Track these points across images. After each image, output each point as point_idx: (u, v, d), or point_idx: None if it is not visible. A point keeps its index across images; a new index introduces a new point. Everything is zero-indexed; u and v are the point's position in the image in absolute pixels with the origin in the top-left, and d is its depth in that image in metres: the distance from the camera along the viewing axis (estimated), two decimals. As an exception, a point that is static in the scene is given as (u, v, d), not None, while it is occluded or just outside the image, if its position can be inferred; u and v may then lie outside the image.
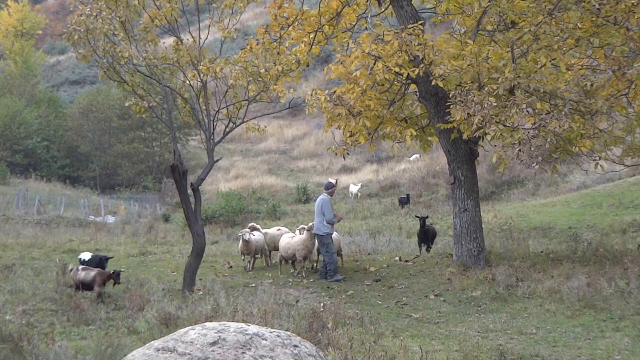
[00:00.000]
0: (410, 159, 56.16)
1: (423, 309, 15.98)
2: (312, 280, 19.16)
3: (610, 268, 17.05)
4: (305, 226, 20.29)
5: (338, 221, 20.52)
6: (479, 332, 13.64)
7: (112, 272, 16.81)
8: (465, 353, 11.38)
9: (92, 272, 16.71)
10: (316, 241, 19.70)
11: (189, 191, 18.02)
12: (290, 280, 19.31)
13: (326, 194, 19.94)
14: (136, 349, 6.38)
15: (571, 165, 39.82)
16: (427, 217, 23.07)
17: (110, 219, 43.74)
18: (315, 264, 20.53)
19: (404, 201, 41.57)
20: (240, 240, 20.73)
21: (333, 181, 21.16)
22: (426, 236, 22.49)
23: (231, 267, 21.54)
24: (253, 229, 21.13)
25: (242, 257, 21.24)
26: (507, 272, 17.51)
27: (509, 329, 13.83)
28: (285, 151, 68.84)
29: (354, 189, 47.14)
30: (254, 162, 65.06)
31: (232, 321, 7.56)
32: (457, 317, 15.03)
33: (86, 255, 18.52)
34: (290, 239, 19.91)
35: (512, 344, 12.61)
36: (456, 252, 19.75)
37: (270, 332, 6.31)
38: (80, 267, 17.08)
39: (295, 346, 6.24)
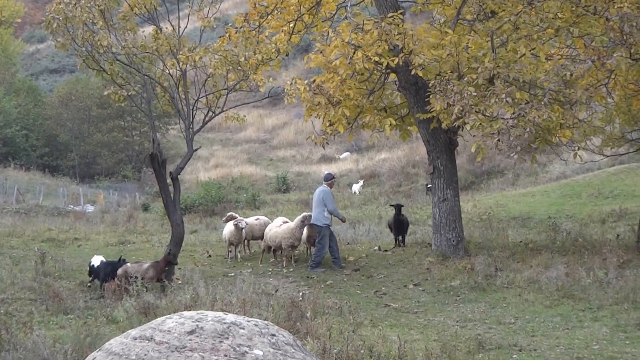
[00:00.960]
0: (341, 156, 55.94)
1: (402, 298, 16.04)
2: (291, 269, 19.14)
3: (589, 258, 17.14)
4: (284, 218, 20.25)
5: (343, 221, 20.46)
6: (457, 321, 13.73)
7: (167, 253, 16.68)
8: (444, 342, 11.43)
9: (145, 265, 16.48)
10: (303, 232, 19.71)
11: (168, 180, 17.96)
12: (270, 269, 19.30)
13: (326, 185, 19.95)
14: (114, 338, 6.34)
15: (550, 155, 39.90)
16: (402, 205, 22.46)
17: (90, 208, 43.54)
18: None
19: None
20: (232, 229, 20.58)
21: (333, 172, 21.08)
22: (402, 226, 21.82)
23: (210, 256, 21.48)
24: (231, 218, 21.00)
25: (228, 247, 21.09)
26: (486, 261, 17.57)
27: (488, 318, 13.91)
28: (265, 140, 68.75)
29: (356, 187, 45.84)
30: (234, 151, 64.96)
31: (211, 310, 7.54)
32: (436, 307, 15.11)
33: (96, 260, 17.58)
34: (278, 227, 19.83)
35: (491, 333, 12.69)
36: (435, 241, 19.76)
37: (248, 321, 6.28)
38: (129, 263, 16.78)
39: (273, 335, 6.22)
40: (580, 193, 31.55)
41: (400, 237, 21.73)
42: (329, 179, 20.30)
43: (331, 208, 19.45)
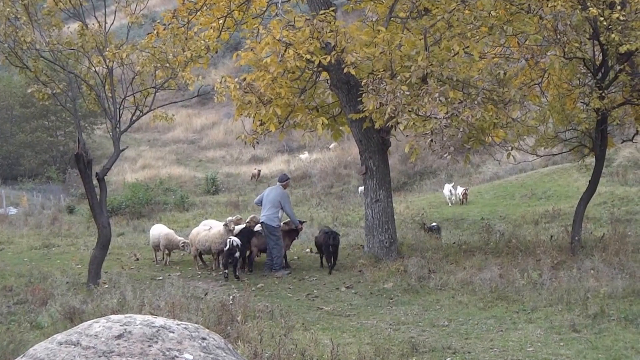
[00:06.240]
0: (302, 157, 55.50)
1: (334, 301, 15.89)
2: (221, 272, 18.83)
3: (523, 259, 17.34)
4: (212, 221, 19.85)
5: (298, 228, 19.89)
6: (390, 324, 13.59)
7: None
8: (377, 346, 11.31)
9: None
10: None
11: (94, 181, 17.56)
12: (199, 273, 19.06)
13: (281, 186, 19.63)
14: (39, 343, 6.13)
15: (484, 156, 40.40)
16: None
17: (12, 210, 42.76)
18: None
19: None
20: (166, 232, 20.24)
21: (289, 174, 20.63)
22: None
23: (137, 259, 21.14)
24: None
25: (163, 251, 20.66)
26: (419, 263, 17.62)
27: (421, 321, 13.81)
28: (194, 141, 68.20)
29: (459, 190, 39.17)
30: (162, 152, 64.29)
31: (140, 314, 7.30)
32: (369, 310, 14.97)
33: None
34: (207, 231, 19.44)
35: (424, 336, 12.58)
36: (368, 243, 19.72)
37: (178, 325, 6.13)
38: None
39: (204, 338, 6.07)
40: (514, 194, 31.95)
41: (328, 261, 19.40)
42: (284, 180, 19.98)
43: (289, 211, 19.23)
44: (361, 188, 39.93)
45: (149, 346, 5.65)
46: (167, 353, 5.62)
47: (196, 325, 6.34)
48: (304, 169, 52.61)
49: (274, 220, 18.91)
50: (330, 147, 56.08)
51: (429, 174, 45.56)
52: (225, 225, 18.88)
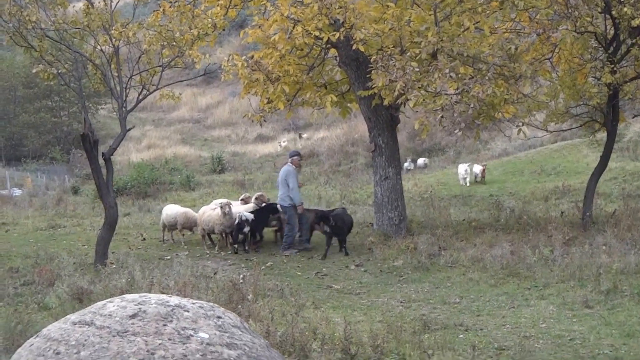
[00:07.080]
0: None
1: (344, 279, 15.81)
2: (229, 252, 18.77)
3: (534, 236, 17.23)
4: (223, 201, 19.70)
5: (298, 206, 19.64)
6: (401, 302, 13.51)
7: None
8: (389, 323, 11.20)
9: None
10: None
11: (101, 161, 17.43)
12: (208, 252, 18.97)
13: (290, 164, 19.44)
14: (49, 324, 6.16)
15: (492, 132, 40.24)
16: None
17: (17, 191, 42.65)
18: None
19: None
20: (180, 212, 20.19)
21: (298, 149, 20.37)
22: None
23: (144, 239, 21.09)
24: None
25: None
26: (429, 241, 17.58)
27: (432, 298, 13.73)
28: (199, 120, 68.04)
29: (477, 169, 32.94)
30: (167, 131, 64.13)
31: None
32: (379, 288, 14.89)
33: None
34: (211, 211, 19.33)
35: (436, 313, 12.51)
36: (377, 221, 19.64)
37: (193, 304, 6.16)
38: None
39: (219, 317, 6.10)
40: (523, 170, 31.85)
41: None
42: (293, 155, 19.76)
43: (292, 187, 18.88)
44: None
45: (164, 325, 5.65)
46: (182, 332, 5.62)
47: (211, 304, 6.35)
48: (310, 147, 52.41)
49: (286, 200, 18.84)
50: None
51: (437, 151, 45.44)
52: (221, 207, 18.74)
